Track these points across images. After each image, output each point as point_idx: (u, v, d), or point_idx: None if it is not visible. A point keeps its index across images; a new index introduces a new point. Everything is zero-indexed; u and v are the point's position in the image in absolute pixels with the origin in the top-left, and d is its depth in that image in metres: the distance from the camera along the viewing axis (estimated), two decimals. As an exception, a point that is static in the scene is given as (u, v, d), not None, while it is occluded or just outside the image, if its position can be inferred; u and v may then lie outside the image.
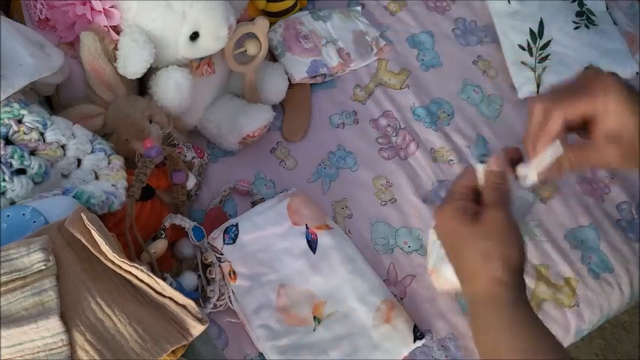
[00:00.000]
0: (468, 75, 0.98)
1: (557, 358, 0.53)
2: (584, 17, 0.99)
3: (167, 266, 0.70)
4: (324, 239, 0.77)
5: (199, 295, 0.70)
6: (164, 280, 0.59)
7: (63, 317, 0.51)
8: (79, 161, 0.66)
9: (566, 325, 0.79)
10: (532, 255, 0.82)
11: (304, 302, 0.73)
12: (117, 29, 0.73)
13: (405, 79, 0.96)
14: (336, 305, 0.74)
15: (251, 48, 0.80)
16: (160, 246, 0.67)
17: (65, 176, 0.65)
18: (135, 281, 0.56)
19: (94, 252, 0.55)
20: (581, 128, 0.57)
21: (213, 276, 0.71)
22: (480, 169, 0.59)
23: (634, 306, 0.91)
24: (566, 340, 0.80)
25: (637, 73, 0.96)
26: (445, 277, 0.62)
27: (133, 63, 0.70)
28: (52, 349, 0.50)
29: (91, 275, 0.54)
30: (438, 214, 0.59)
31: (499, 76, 0.98)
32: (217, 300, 0.71)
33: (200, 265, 0.71)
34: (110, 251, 0.55)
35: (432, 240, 0.64)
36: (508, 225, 0.55)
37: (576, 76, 0.59)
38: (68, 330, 0.51)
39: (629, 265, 0.83)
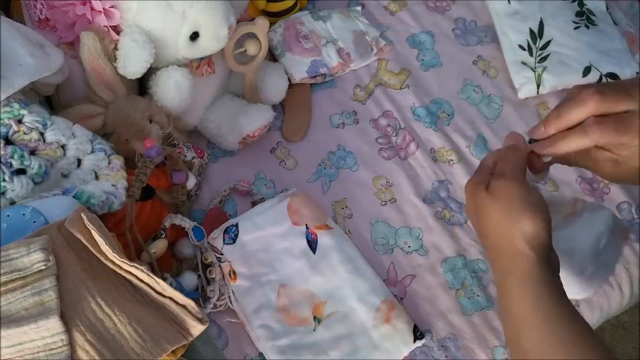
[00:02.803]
0: (468, 75, 0.98)
1: (590, 342, 0.50)
2: (584, 17, 0.99)
3: (167, 266, 0.70)
4: (324, 239, 0.77)
5: (199, 295, 0.70)
6: (164, 280, 0.59)
7: (63, 317, 0.51)
8: (79, 161, 0.66)
9: (566, 325, 0.79)
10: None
11: (304, 302, 0.73)
12: (117, 29, 0.73)
13: (405, 79, 0.96)
14: (336, 305, 0.74)
15: (251, 48, 0.80)
16: (160, 246, 0.67)
17: (65, 176, 0.65)
18: (135, 281, 0.56)
19: (94, 252, 0.55)
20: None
21: (213, 276, 0.71)
22: None
23: (634, 306, 0.91)
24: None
25: (637, 73, 0.96)
26: None
27: (133, 63, 0.70)
28: (52, 349, 0.50)
29: (91, 275, 0.54)
30: (466, 186, 0.57)
31: (499, 76, 0.98)
32: (217, 300, 0.71)
33: (200, 265, 0.71)
34: (110, 251, 0.55)
35: None
36: (521, 193, 0.52)
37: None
38: (68, 330, 0.51)
39: (629, 265, 0.83)
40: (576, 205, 0.68)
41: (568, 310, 0.51)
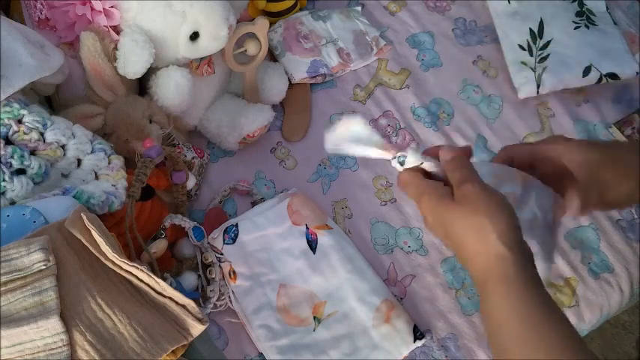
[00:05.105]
0: (468, 75, 0.98)
1: (572, 343, 0.49)
2: (584, 17, 0.99)
3: (167, 266, 0.70)
4: (324, 239, 0.77)
5: (199, 295, 0.70)
6: (164, 280, 0.59)
7: (63, 317, 0.51)
8: (79, 161, 0.66)
9: (566, 325, 0.79)
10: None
11: (304, 302, 0.73)
12: (117, 29, 0.73)
13: (405, 79, 0.96)
14: (336, 305, 0.74)
15: (251, 48, 0.80)
16: (160, 246, 0.67)
17: (65, 176, 0.65)
18: (135, 281, 0.56)
19: (94, 252, 0.55)
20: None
21: (213, 276, 0.71)
22: (401, 168, 0.55)
23: (634, 306, 0.91)
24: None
25: (637, 73, 0.96)
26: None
27: (133, 63, 0.70)
28: (52, 349, 0.50)
29: (91, 275, 0.54)
30: (423, 204, 0.54)
31: (499, 76, 0.98)
32: (217, 300, 0.71)
33: (200, 265, 0.71)
34: (110, 251, 0.55)
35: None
36: (486, 195, 0.52)
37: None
38: (68, 330, 0.51)
39: (629, 265, 0.84)
40: (525, 176, 0.66)
41: (550, 311, 0.51)
